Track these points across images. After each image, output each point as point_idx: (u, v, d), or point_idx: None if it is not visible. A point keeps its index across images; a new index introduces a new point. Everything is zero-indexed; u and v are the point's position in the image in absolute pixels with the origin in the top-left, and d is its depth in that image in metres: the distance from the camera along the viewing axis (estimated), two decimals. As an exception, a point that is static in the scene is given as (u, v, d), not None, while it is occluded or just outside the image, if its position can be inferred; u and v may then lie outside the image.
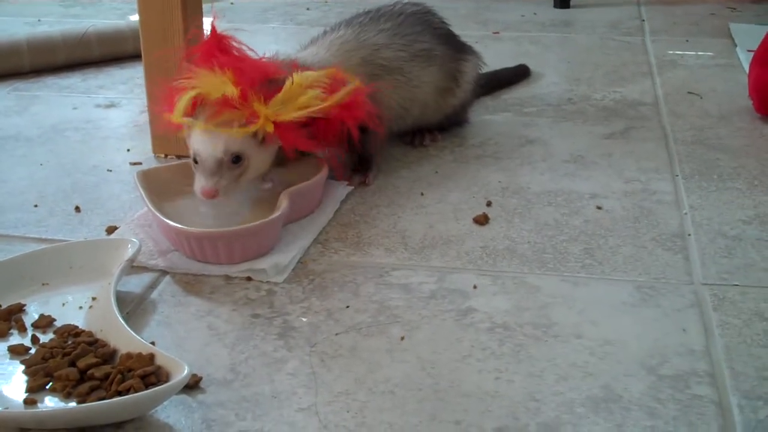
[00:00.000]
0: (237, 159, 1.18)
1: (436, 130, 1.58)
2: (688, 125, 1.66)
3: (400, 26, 1.48)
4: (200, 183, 1.18)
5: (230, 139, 1.17)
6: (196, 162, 1.19)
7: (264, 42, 2.08)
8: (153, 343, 0.97)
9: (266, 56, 1.29)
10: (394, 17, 1.49)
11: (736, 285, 1.11)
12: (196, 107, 1.19)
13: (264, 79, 1.20)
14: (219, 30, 1.23)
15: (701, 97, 1.81)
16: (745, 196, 1.35)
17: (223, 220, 1.24)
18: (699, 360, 0.96)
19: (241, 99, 1.16)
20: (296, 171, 1.30)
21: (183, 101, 1.18)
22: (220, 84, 1.16)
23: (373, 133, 1.32)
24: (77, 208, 1.33)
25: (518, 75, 1.94)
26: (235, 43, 1.25)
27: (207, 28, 1.25)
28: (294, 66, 1.25)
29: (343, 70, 1.28)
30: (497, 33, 2.33)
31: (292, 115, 1.19)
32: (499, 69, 1.89)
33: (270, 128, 1.17)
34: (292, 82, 1.20)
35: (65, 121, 1.71)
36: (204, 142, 1.18)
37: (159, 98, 1.24)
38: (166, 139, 1.47)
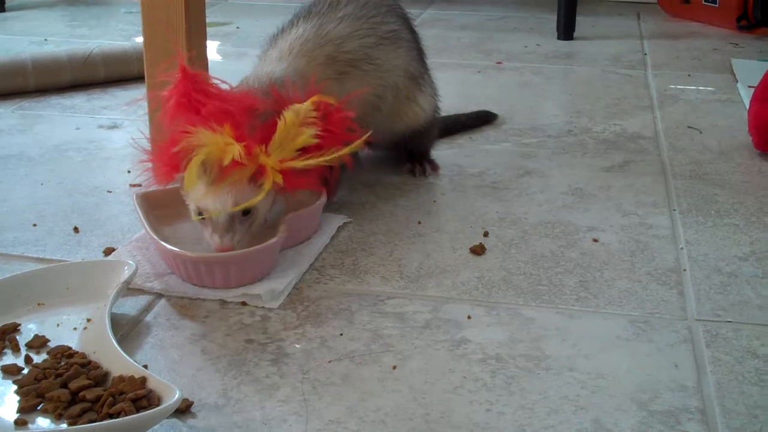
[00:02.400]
0: (247, 211, 1.17)
1: (423, 159, 1.57)
2: (688, 160, 1.66)
3: (363, 8, 1.44)
4: (215, 240, 1.16)
5: (238, 193, 1.15)
6: (201, 217, 1.17)
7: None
8: (146, 366, 0.97)
9: (238, 83, 1.28)
10: (355, 0, 1.45)
11: (730, 322, 1.11)
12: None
13: (252, 116, 1.19)
14: (189, 70, 1.19)
15: (701, 132, 1.82)
16: (742, 233, 1.35)
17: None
18: (690, 396, 0.96)
19: (247, 155, 1.14)
20: (293, 198, 1.30)
21: (193, 169, 1.13)
22: (224, 144, 1.13)
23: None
24: (76, 229, 1.34)
25: (476, 120, 1.86)
26: (207, 80, 1.21)
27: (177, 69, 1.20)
28: (274, 92, 1.24)
29: (315, 85, 1.26)
30: (500, 63, 2.35)
31: (300, 164, 1.18)
32: (460, 114, 1.84)
33: (279, 180, 1.16)
34: (285, 122, 1.18)
35: (68, 141, 1.72)
36: (213, 200, 1.15)
37: (157, 155, 1.21)
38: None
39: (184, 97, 1.18)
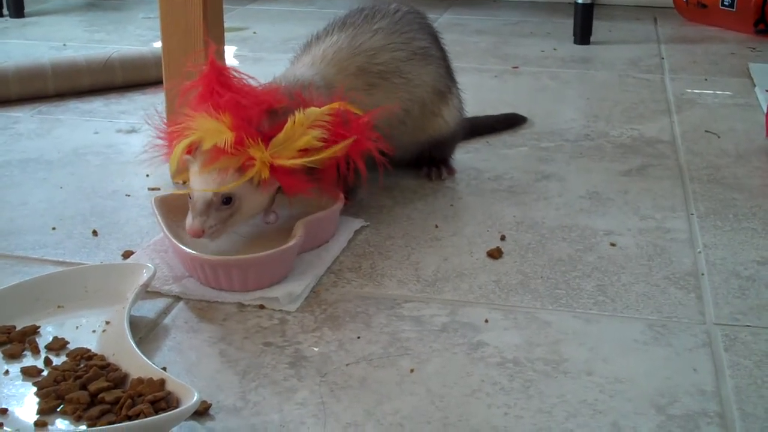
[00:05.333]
0: (228, 200, 1.17)
1: (440, 163, 1.58)
2: (705, 164, 1.66)
3: (397, 23, 1.47)
4: (188, 221, 1.18)
5: (221, 179, 1.16)
6: (191, 198, 1.19)
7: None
8: (164, 369, 0.97)
9: (267, 83, 1.29)
10: (391, 15, 1.48)
11: (749, 326, 1.10)
12: (194, 148, 1.19)
13: (266, 112, 1.20)
14: (217, 62, 1.22)
15: (719, 136, 1.81)
16: (760, 237, 1.35)
17: (237, 247, 1.25)
18: (709, 400, 0.96)
19: (236, 145, 1.15)
20: (309, 201, 1.30)
21: (178, 150, 1.17)
22: (215, 130, 1.15)
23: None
24: (95, 232, 1.35)
25: (505, 122, 1.87)
26: (234, 74, 1.23)
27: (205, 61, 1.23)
28: (297, 94, 1.25)
29: (342, 94, 1.27)
30: (516, 68, 2.34)
31: (291, 161, 1.18)
32: (489, 116, 1.86)
33: (266, 174, 1.17)
34: (294, 122, 1.19)
35: (86, 145, 1.73)
36: (197, 182, 1.18)
37: (162, 135, 1.24)
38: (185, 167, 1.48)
39: (207, 88, 1.20)
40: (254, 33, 2.75)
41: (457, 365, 1.02)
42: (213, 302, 1.15)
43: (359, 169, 1.25)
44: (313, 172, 1.22)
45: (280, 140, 1.18)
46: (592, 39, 2.61)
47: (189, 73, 1.23)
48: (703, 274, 1.23)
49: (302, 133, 1.19)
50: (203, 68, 1.21)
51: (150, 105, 1.93)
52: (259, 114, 1.19)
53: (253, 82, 1.25)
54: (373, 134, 1.26)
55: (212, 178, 1.17)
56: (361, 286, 1.20)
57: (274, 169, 1.17)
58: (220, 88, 1.20)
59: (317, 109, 1.21)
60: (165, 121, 1.28)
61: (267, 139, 1.18)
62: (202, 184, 1.17)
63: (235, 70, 1.24)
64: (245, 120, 1.17)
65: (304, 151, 1.20)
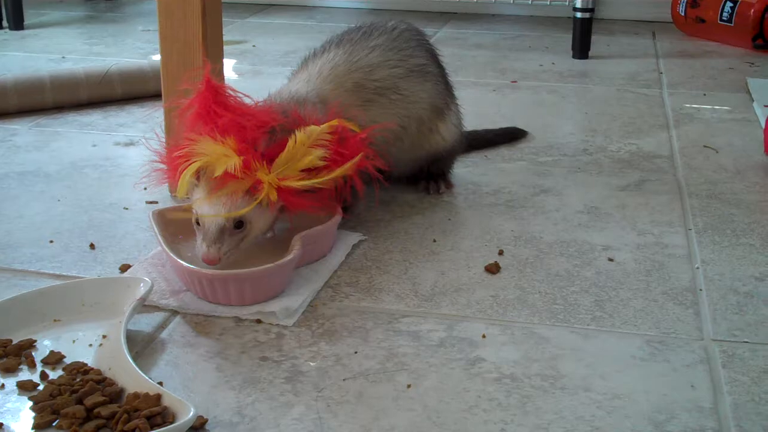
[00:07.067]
0: (239, 224, 1.18)
1: (438, 177, 1.58)
2: (703, 179, 1.66)
3: (395, 40, 1.47)
4: (202, 249, 1.17)
5: (232, 204, 1.16)
6: (198, 224, 1.19)
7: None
8: (161, 383, 0.97)
9: (262, 101, 1.29)
10: (388, 32, 1.48)
11: (747, 342, 1.10)
12: (200, 172, 1.18)
13: (266, 133, 1.20)
14: (213, 81, 1.21)
15: (717, 151, 1.81)
16: (759, 253, 1.35)
17: (235, 261, 1.24)
18: (707, 417, 0.96)
19: (244, 168, 1.15)
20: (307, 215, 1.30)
21: (187, 175, 1.16)
22: (223, 155, 1.15)
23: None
24: (92, 245, 1.34)
25: (504, 136, 1.87)
26: (230, 92, 1.23)
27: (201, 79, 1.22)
28: (294, 112, 1.25)
29: (340, 111, 1.27)
30: (515, 82, 2.35)
31: (297, 183, 1.19)
32: (486, 129, 1.86)
33: (274, 196, 1.17)
34: (295, 141, 1.19)
35: (84, 158, 1.73)
36: (207, 208, 1.17)
37: (163, 157, 1.24)
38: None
39: (204, 107, 1.20)
40: (254, 46, 2.75)
41: (454, 381, 1.02)
42: (210, 316, 1.15)
43: (356, 186, 1.26)
44: (311, 188, 1.22)
45: (283, 160, 1.19)
46: (590, 53, 2.62)
47: (186, 91, 1.23)
48: (701, 290, 1.23)
49: (304, 153, 1.20)
50: (199, 87, 1.21)
51: (148, 118, 1.94)
52: (260, 135, 1.19)
53: (248, 101, 1.24)
54: (369, 151, 1.26)
55: (222, 203, 1.17)
56: (358, 300, 1.20)
57: (281, 190, 1.18)
58: (217, 107, 1.19)
59: (317, 127, 1.21)
60: (164, 140, 1.28)
61: (268, 159, 1.18)
62: (212, 211, 1.17)
63: (231, 89, 1.24)
64: (249, 142, 1.17)
65: (307, 171, 1.20)
